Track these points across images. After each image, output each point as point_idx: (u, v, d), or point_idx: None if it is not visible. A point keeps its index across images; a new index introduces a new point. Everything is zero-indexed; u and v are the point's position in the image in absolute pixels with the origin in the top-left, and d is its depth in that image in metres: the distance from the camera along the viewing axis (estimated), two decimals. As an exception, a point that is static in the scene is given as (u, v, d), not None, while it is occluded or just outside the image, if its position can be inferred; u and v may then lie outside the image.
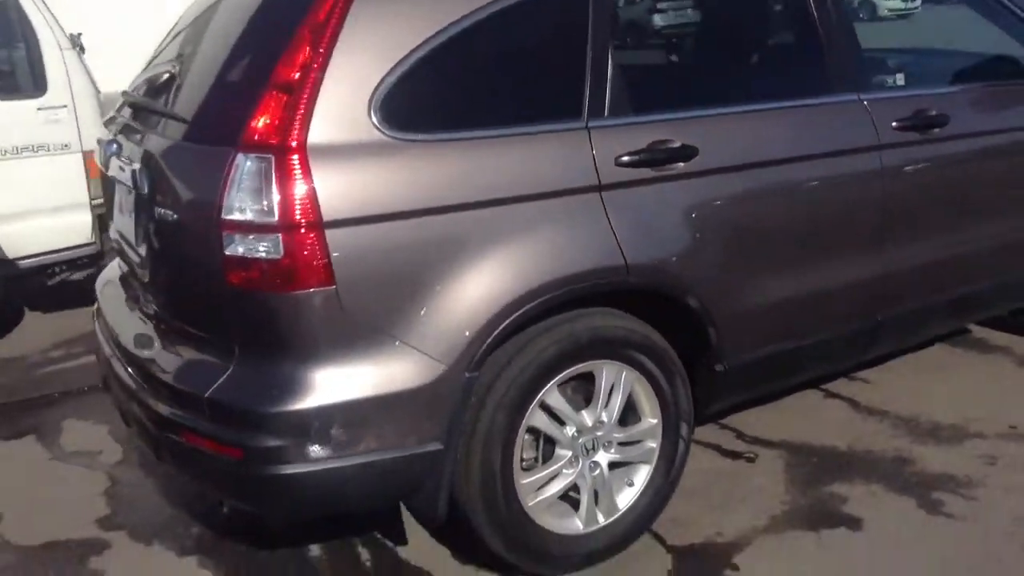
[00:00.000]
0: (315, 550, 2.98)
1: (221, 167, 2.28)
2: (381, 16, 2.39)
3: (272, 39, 2.44)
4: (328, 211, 2.24)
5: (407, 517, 3.04)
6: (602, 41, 2.62)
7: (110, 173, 2.93)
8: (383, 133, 2.33)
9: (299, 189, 2.22)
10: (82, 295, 5.53)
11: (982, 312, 3.79)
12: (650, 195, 2.65)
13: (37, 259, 4.82)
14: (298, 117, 2.26)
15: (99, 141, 3.12)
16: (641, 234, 2.63)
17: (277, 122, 2.26)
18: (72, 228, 4.86)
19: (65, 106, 4.72)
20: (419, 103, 2.41)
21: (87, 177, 4.83)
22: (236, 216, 2.26)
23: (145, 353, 2.66)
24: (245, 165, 2.25)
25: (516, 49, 2.61)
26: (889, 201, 3.13)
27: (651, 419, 2.81)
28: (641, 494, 2.84)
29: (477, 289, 2.41)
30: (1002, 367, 4.04)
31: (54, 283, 5.10)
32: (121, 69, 4.71)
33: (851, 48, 3.08)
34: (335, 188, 2.25)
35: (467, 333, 2.39)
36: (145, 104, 2.84)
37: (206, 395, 2.35)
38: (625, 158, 2.60)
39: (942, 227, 3.34)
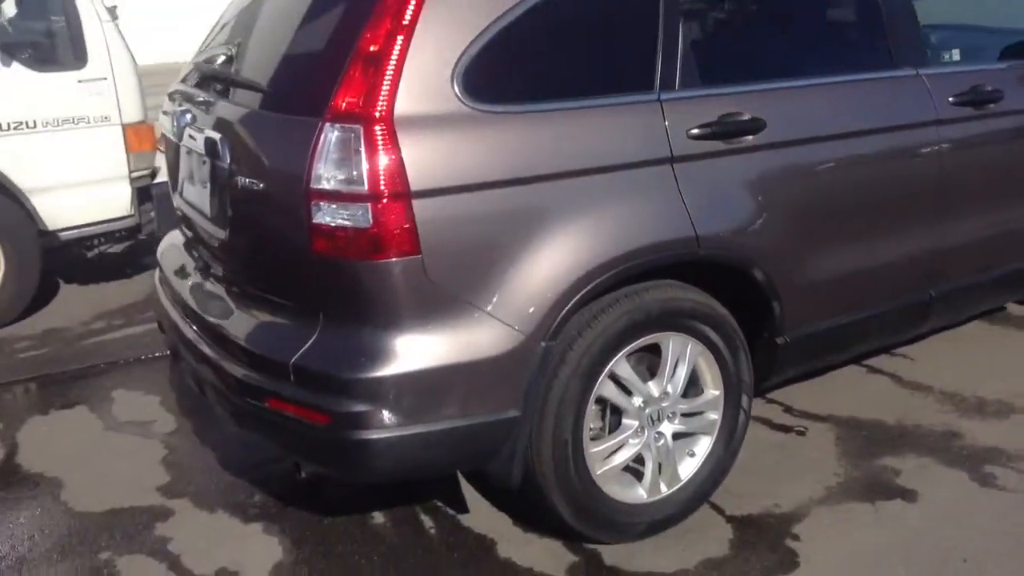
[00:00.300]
0: (379, 517, 3.03)
1: (308, 137, 2.31)
2: None
3: (352, 8, 2.47)
4: (414, 181, 2.27)
5: (467, 486, 3.11)
6: (673, 13, 2.65)
7: (182, 143, 2.95)
8: (465, 104, 2.36)
9: (387, 159, 2.25)
10: (118, 268, 5.62)
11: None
12: (720, 168, 2.68)
13: (76, 231, 4.85)
14: (385, 88, 2.28)
15: (168, 112, 3.14)
16: (711, 206, 2.66)
17: (364, 92, 2.28)
18: (111, 201, 4.88)
19: (105, 78, 4.72)
20: (499, 74, 2.43)
21: (127, 150, 4.84)
22: (324, 185, 2.29)
23: (222, 320, 2.69)
24: (333, 135, 2.28)
25: (591, 20, 2.62)
26: (945, 175, 3.17)
27: (713, 391, 2.85)
28: (702, 465, 2.89)
29: (555, 259, 2.44)
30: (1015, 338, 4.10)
31: (93, 255, 5.12)
32: (151, 41, 4.76)
33: (910, 23, 3.11)
34: (420, 158, 2.28)
35: (545, 302, 2.43)
36: (218, 74, 2.87)
37: (292, 361, 2.39)
38: (696, 131, 2.63)
39: (994, 202, 3.39)
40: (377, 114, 2.27)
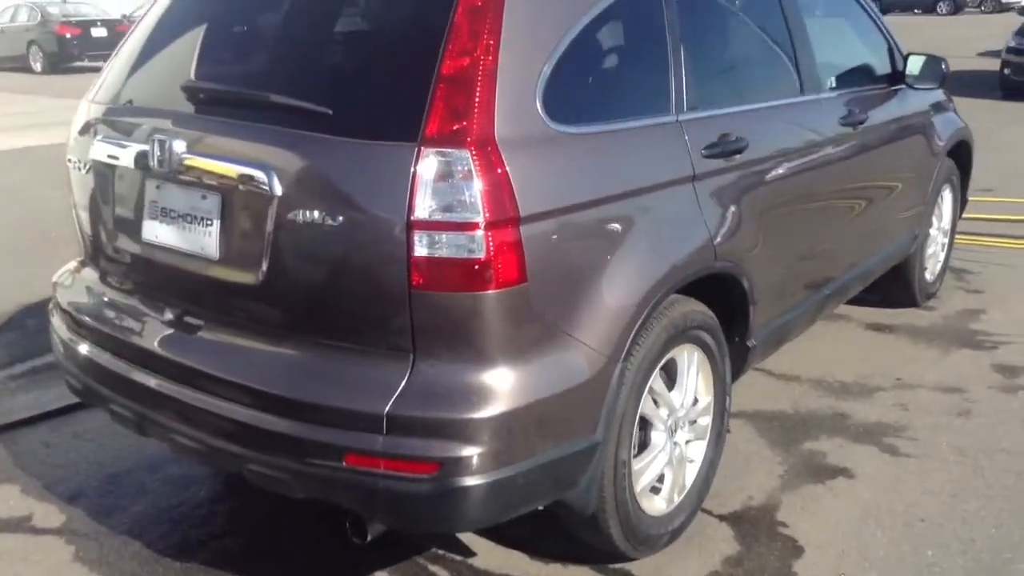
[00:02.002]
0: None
1: (402, 164, 2.12)
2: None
3: (417, 21, 2.30)
4: (521, 206, 2.17)
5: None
6: (675, 37, 2.77)
7: (150, 175, 2.51)
8: (549, 125, 2.30)
9: (498, 184, 2.14)
10: None
11: (872, 279, 4.40)
12: (721, 184, 2.85)
13: None
14: (483, 110, 2.17)
15: (111, 136, 2.63)
16: (720, 221, 2.82)
17: (464, 115, 2.15)
18: None
19: None
20: (571, 93, 2.40)
21: None
22: (427, 215, 2.11)
23: (254, 375, 2.33)
24: (438, 161, 2.11)
25: (627, 43, 2.68)
26: (842, 181, 3.63)
27: (706, 397, 3.00)
28: (699, 469, 3.02)
29: (628, 279, 2.46)
30: (852, 331, 4.74)
31: None
32: None
33: (811, 56, 3.50)
34: (522, 182, 2.19)
35: (622, 323, 2.44)
36: (232, 93, 2.47)
37: (385, 410, 2.15)
38: (705, 149, 2.77)
39: (867, 204, 3.91)
40: (485, 137, 2.14)
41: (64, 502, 3.18)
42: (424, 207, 2.11)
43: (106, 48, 22.92)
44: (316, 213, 2.20)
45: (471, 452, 2.17)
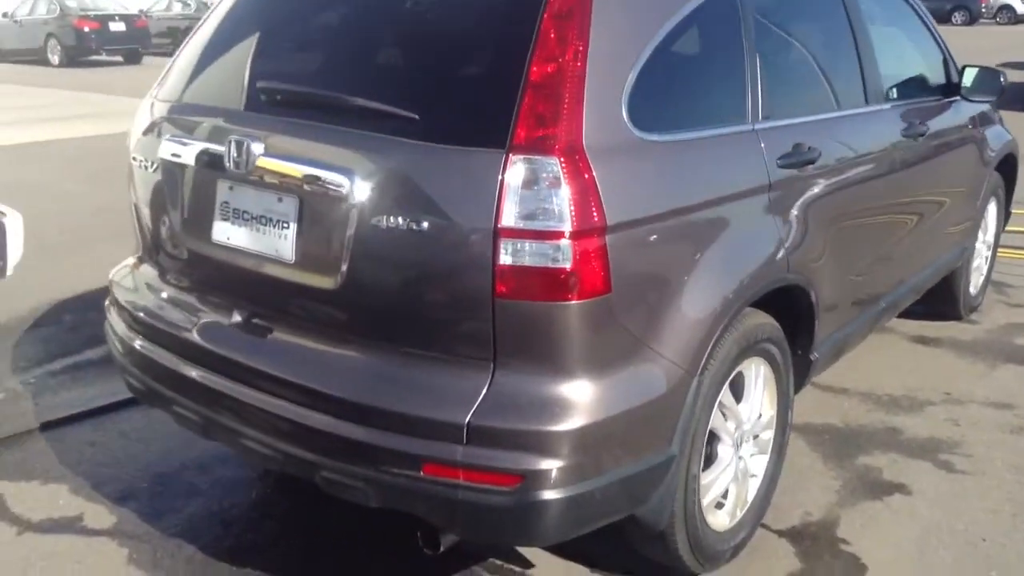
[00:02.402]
0: (445, 586, 2.76)
1: (490, 170, 2.08)
2: (620, 6, 2.31)
3: (500, 28, 2.27)
4: (608, 215, 2.13)
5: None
6: (751, 45, 2.73)
7: (225, 175, 2.47)
8: (635, 133, 2.26)
9: (586, 192, 2.10)
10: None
11: (924, 291, 4.35)
12: (794, 194, 2.81)
13: None
14: (571, 117, 2.13)
15: (185, 136, 2.58)
16: (792, 232, 2.78)
17: (553, 122, 2.11)
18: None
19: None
20: (654, 101, 2.35)
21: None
22: (515, 223, 2.07)
23: (333, 380, 2.29)
24: (526, 168, 2.07)
25: (704, 52, 2.64)
26: (902, 192, 3.59)
27: (770, 410, 2.96)
28: (761, 484, 2.98)
29: (707, 291, 2.42)
30: (896, 343, 4.69)
31: None
32: None
33: (876, 67, 3.46)
34: (609, 190, 2.15)
35: (701, 335, 2.40)
36: (302, 95, 2.43)
37: (467, 420, 2.11)
38: (780, 159, 2.73)
39: (920, 216, 3.86)
40: (573, 145, 2.10)
41: (114, 502, 3.15)
42: (511, 214, 2.07)
43: (124, 42, 23.10)
44: (400, 218, 2.16)
45: (553, 465, 2.13)
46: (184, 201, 2.64)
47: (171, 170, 2.65)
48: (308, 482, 2.39)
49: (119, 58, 23.21)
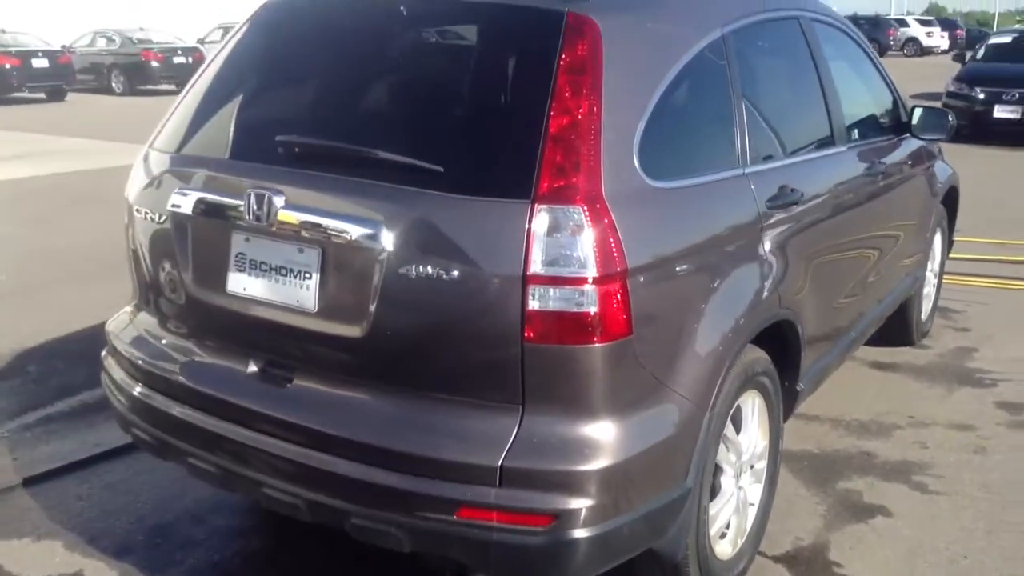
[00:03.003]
0: (458, 626, 2.78)
1: (518, 220, 2.16)
2: (626, 62, 2.41)
3: (517, 82, 2.36)
4: (628, 260, 2.22)
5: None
6: (736, 93, 2.86)
7: (240, 227, 2.50)
8: (645, 180, 2.36)
9: (608, 239, 2.19)
10: None
11: (883, 320, 4.53)
12: (781, 233, 2.94)
13: None
14: (590, 167, 2.22)
15: (230, 186, 2.58)
16: (781, 269, 2.91)
17: (573, 172, 2.20)
18: None
19: None
20: (659, 150, 2.46)
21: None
22: (543, 270, 2.15)
23: (359, 427, 2.32)
24: (551, 217, 2.16)
25: (700, 101, 2.76)
26: (867, 228, 3.77)
27: (763, 441, 3.07)
28: (757, 512, 3.09)
29: (715, 329, 2.52)
30: (855, 369, 4.87)
31: None
32: None
33: (839, 108, 3.64)
34: (628, 236, 2.24)
35: (711, 373, 2.50)
36: (323, 148, 2.46)
37: (500, 462, 2.17)
38: (768, 201, 2.86)
39: (881, 249, 4.05)
40: (593, 194, 2.19)
41: (112, 557, 3.10)
42: (538, 262, 2.15)
43: (48, 79, 22.59)
44: (428, 267, 2.22)
45: (583, 504, 2.20)
46: (192, 252, 2.65)
47: (179, 221, 2.66)
48: (308, 530, 2.41)
49: (42, 95, 22.68)
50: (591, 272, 2.17)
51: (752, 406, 2.92)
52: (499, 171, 2.26)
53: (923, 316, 5.25)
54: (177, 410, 2.63)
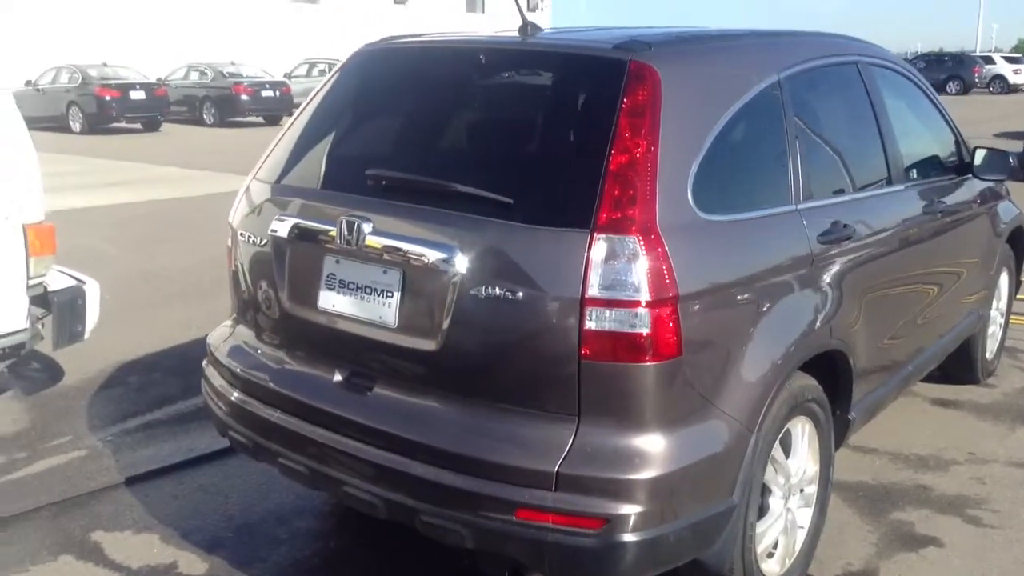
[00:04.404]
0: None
1: (578, 248, 2.39)
2: (684, 106, 2.64)
3: (582, 124, 2.61)
4: (679, 286, 2.43)
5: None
6: (792, 134, 3.05)
7: (332, 248, 2.78)
8: (698, 214, 2.57)
9: (661, 267, 2.40)
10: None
11: (945, 356, 4.62)
12: (833, 267, 3.10)
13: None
14: (646, 201, 2.44)
15: (299, 216, 2.91)
16: (833, 302, 3.07)
17: (631, 206, 2.42)
18: (5, 313, 4.19)
19: (9, 175, 4.11)
20: (714, 188, 2.67)
21: (27, 254, 4.21)
22: (599, 293, 2.37)
23: (432, 434, 2.57)
24: (609, 246, 2.38)
25: (754, 141, 2.97)
26: (924, 264, 3.90)
27: (814, 466, 3.21)
28: (807, 535, 3.22)
29: (763, 355, 2.70)
30: (919, 405, 4.95)
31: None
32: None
33: (896, 149, 3.79)
34: (680, 265, 2.45)
35: (758, 395, 2.67)
36: (407, 181, 2.74)
37: (556, 468, 2.38)
38: (820, 236, 3.03)
39: (940, 286, 4.16)
40: (648, 226, 2.41)
41: (204, 551, 3.39)
42: (595, 286, 2.37)
43: (144, 110, 23.69)
44: (496, 289, 2.46)
45: (633, 510, 2.39)
46: (289, 272, 2.94)
47: (278, 245, 2.96)
48: (381, 534, 2.63)
49: (138, 125, 23.85)
50: (644, 296, 2.38)
51: (802, 431, 3.08)
52: (563, 203, 2.49)
53: (989, 355, 5.29)
54: (270, 415, 2.91)
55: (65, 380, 5.06)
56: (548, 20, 50.04)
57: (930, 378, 5.10)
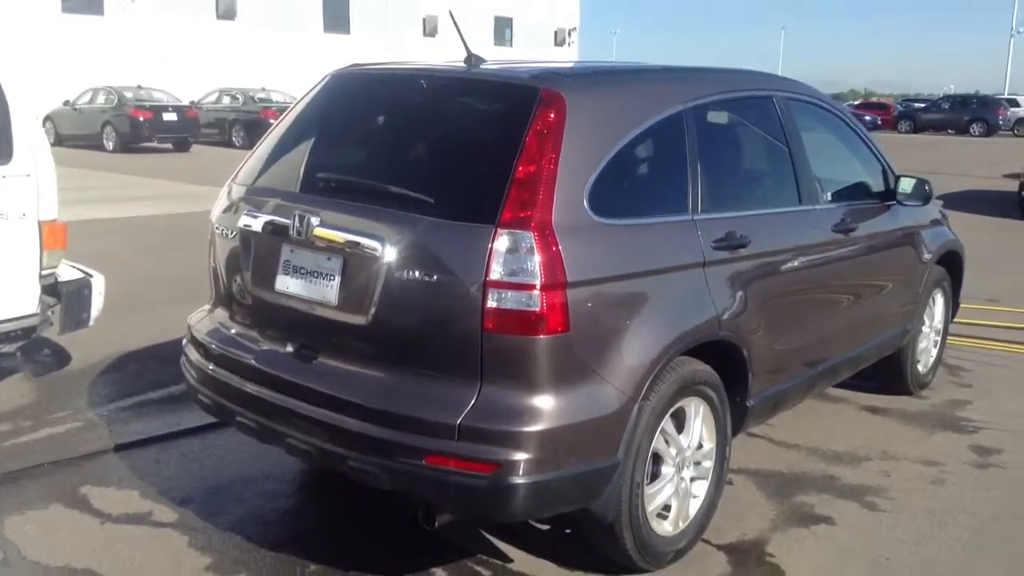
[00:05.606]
0: (440, 573, 3.44)
1: (484, 240, 2.88)
2: (586, 128, 3.13)
3: (497, 139, 3.11)
4: (568, 274, 2.91)
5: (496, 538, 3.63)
6: (693, 157, 3.53)
7: (287, 240, 3.29)
8: (592, 217, 3.05)
9: (552, 258, 2.88)
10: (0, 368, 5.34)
11: (863, 364, 5.05)
12: (727, 271, 3.57)
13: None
14: (544, 204, 2.93)
15: (256, 211, 3.40)
16: (724, 299, 3.53)
17: (529, 207, 2.90)
18: (20, 299, 4.73)
19: (28, 175, 4.67)
20: (609, 196, 3.15)
21: (41, 247, 4.76)
22: (499, 277, 2.86)
23: (359, 393, 3.05)
24: (509, 239, 2.86)
25: (653, 160, 3.46)
26: (833, 277, 4.34)
27: (709, 443, 3.66)
28: (702, 504, 3.66)
29: (649, 337, 3.17)
30: (848, 411, 5.38)
31: (-16, 355, 4.88)
32: None
33: (809, 172, 4.26)
34: (570, 257, 2.93)
35: (643, 371, 3.13)
36: (356, 183, 3.28)
37: (458, 422, 2.86)
38: (714, 243, 3.50)
39: (856, 297, 4.59)
40: (543, 224, 2.90)
41: (176, 504, 3.88)
42: (497, 272, 2.86)
43: (175, 131, 24.54)
44: (416, 273, 2.96)
45: (521, 457, 2.86)
46: (253, 260, 3.46)
47: (245, 236, 3.48)
48: (328, 495, 3.08)
49: (169, 145, 24.70)
50: (537, 281, 2.86)
51: (695, 410, 3.52)
52: (475, 203, 2.99)
53: (922, 368, 5.69)
54: (232, 380, 3.42)
55: (71, 365, 5.61)
56: (575, 53, 51.00)
57: (865, 388, 5.56)
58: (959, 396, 5.74)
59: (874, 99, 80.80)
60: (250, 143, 26.18)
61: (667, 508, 3.50)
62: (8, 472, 4.12)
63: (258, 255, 3.45)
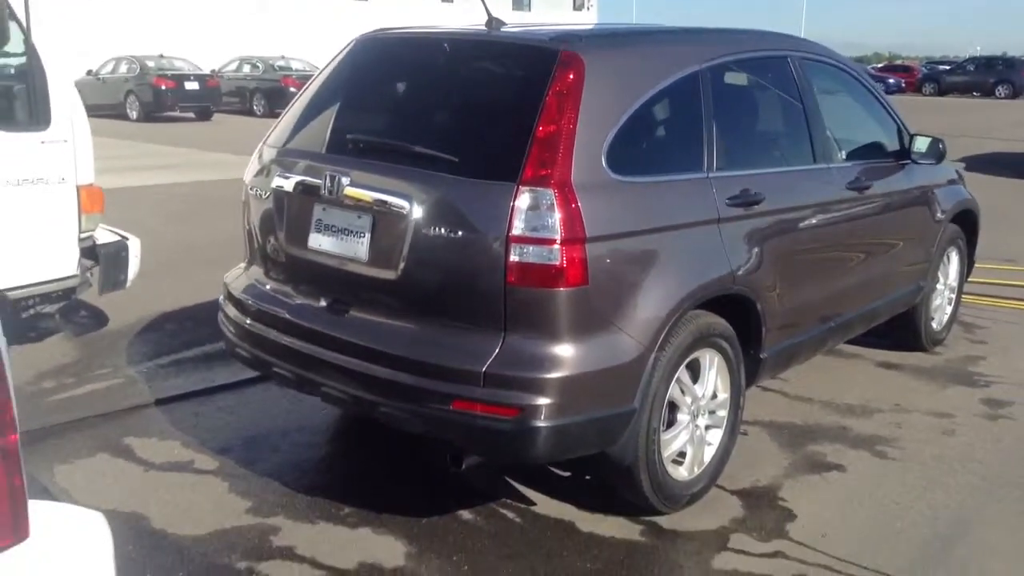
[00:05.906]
0: (466, 514, 3.63)
1: (506, 197, 3.02)
2: (604, 88, 3.26)
3: (518, 100, 3.24)
4: (587, 230, 3.05)
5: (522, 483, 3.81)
6: (709, 115, 3.65)
7: (320, 198, 3.45)
8: (610, 175, 3.19)
9: (572, 214, 3.03)
10: (44, 327, 5.55)
11: (877, 321, 5.17)
12: (741, 227, 3.70)
13: (23, 290, 4.83)
14: (564, 162, 3.06)
15: (290, 172, 3.56)
16: (738, 254, 3.66)
17: (550, 165, 3.04)
18: (60, 261, 4.93)
19: (66, 140, 4.84)
20: (627, 154, 3.28)
21: (80, 211, 4.95)
22: (521, 233, 3.00)
23: (391, 344, 3.22)
24: (531, 196, 3.01)
25: (672, 118, 3.58)
26: (847, 234, 4.45)
27: (723, 393, 3.81)
28: (716, 451, 3.82)
29: (665, 290, 3.31)
30: (863, 366, 5.51)
31: (27, 316, 5.08)
32: None
33: (823, 132, 4.36)
34: (589, 213, 3.07)
35: (658, 322, 3.28)
36: (386, 143, 3.44)
37: (484, 369, 3.02)
38: (729, 199, 3.63)
39: (869, 254, 4.71)
40: (563, 181, 3.04)
41: (216, 453, 4.09)
42: (519, 227, 3.00)
43: (197, 100, 24.75)
44: (442, 229, 3.11)
45: (543, 402, 3.02)
46: (287, 219, 3.62)
47: (278, 197, 3.64)
48: (363, 441, 3.27)
49: (191, 114, 24.90)
50: (558, 236, 3.01)
51: (710, 361, 3.67)
52: (498, 162, 3.13)
53: (936, 325, 5.80)
54: (269, 334, 3.59)
55: (109, 326, 5.82)
56: (594, 18, 50.65)
57: (880, 344, 5.68)
58: (973, 352, 5.85)
59: (898, 62, 79.81)
60: (271, 111, 26.42)
61: (682, 454, 3.67)
62: (55, 424, 4.34)
63: (291, 214, 3.61)
